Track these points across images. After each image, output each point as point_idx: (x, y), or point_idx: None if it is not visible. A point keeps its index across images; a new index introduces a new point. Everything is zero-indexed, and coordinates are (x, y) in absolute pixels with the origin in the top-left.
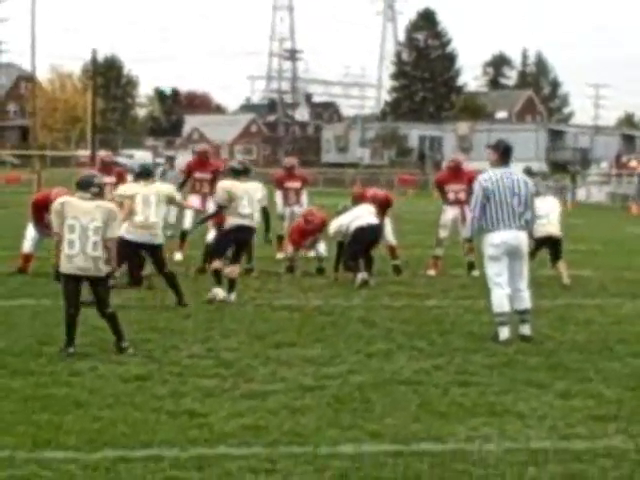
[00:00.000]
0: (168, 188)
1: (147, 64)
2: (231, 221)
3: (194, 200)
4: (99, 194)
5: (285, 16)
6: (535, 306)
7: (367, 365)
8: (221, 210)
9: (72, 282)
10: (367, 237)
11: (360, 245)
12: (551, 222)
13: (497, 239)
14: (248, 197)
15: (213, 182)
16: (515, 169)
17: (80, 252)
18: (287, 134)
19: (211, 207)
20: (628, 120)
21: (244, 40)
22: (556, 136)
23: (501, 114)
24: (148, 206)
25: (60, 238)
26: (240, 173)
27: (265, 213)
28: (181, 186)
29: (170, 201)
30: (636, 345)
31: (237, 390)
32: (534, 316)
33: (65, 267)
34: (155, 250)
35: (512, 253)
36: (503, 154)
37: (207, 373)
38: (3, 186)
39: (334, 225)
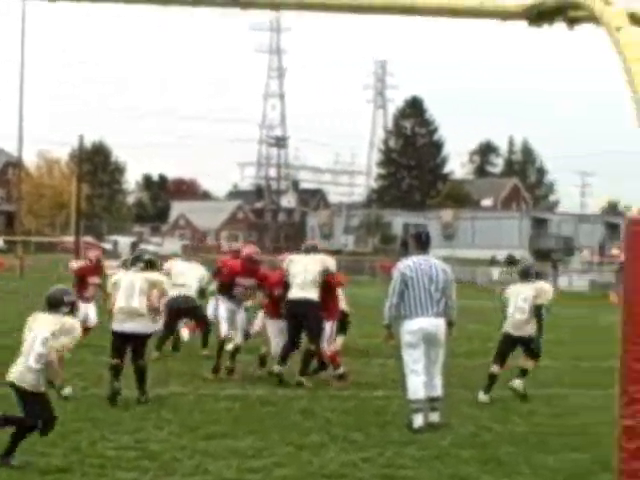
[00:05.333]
0: (156, 275)
1: (135, 150)
2: None
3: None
4: (70, 312)
5: (276, 103)
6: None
7: (296, 458)
8: None
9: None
10: (295, 311)
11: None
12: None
13: (415, 326)
14: None
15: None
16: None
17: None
18: (273, 221)
19: None
20: (612, 208)
21: (235, 127)
22: (540, 224)
23: (486, 202)
24: (131, 293)
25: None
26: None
27: None
28: None
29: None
30: (573, 438)
31: None
32: (479, 408)
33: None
34: (137, 340)
35: (429, 340)
36: (419, 241)
37: (129, 466)
38: None
39: None
